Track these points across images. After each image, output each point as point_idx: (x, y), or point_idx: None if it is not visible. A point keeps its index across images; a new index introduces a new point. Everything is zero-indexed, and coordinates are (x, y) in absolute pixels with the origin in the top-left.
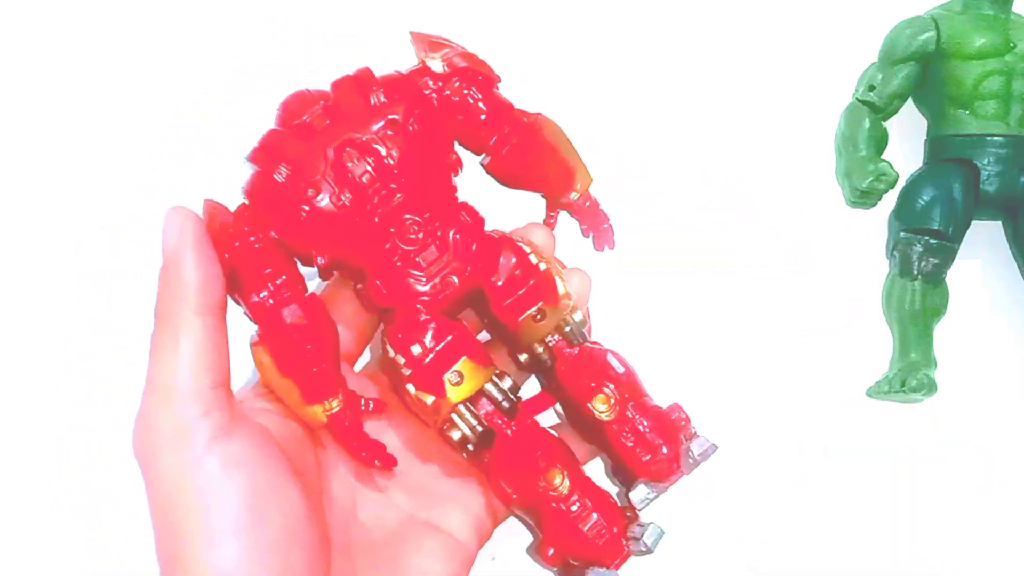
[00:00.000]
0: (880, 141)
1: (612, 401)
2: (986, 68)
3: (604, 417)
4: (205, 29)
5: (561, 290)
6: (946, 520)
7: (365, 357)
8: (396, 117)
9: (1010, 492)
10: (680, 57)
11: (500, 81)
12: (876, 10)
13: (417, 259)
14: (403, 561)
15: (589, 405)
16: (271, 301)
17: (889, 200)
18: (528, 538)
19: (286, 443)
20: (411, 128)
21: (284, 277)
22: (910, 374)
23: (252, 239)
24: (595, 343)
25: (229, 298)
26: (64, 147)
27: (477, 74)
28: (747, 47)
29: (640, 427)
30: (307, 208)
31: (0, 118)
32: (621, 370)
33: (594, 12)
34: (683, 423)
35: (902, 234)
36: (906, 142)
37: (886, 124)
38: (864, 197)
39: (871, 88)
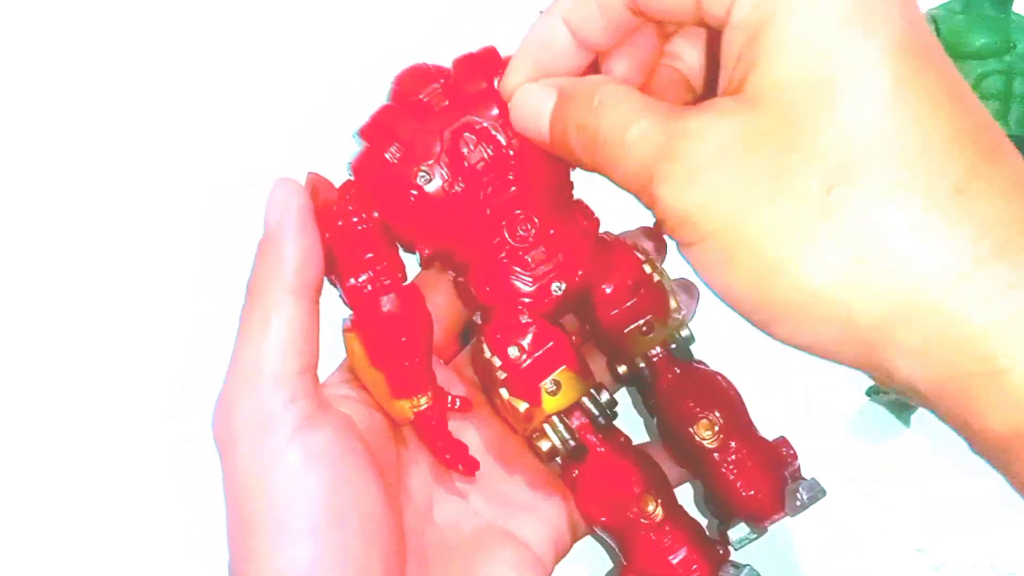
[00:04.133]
0: None
1: (716, 428)
2: (986, 68)
3: (707, 444)
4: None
5: (672, 304)
6: (946, 520)
7: None
8: None
9: (1010, 492)
10: None
11: None
12: None
13: (525, 257)
14: (478, 570)
15: (691, 430)
16: (370, 287)
17: None
18: (603, 560)
19: (369, 436)
20: None
21: (385, 263)
22: None
23: (355, 220)
24: (700, 363)
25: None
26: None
27: None
28: None
29: (745, 460)
30: (416, 192)
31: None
32: (729, 396)
33: None
34: (790, 460)
35: None
36: None
37: None
38: None
39: None
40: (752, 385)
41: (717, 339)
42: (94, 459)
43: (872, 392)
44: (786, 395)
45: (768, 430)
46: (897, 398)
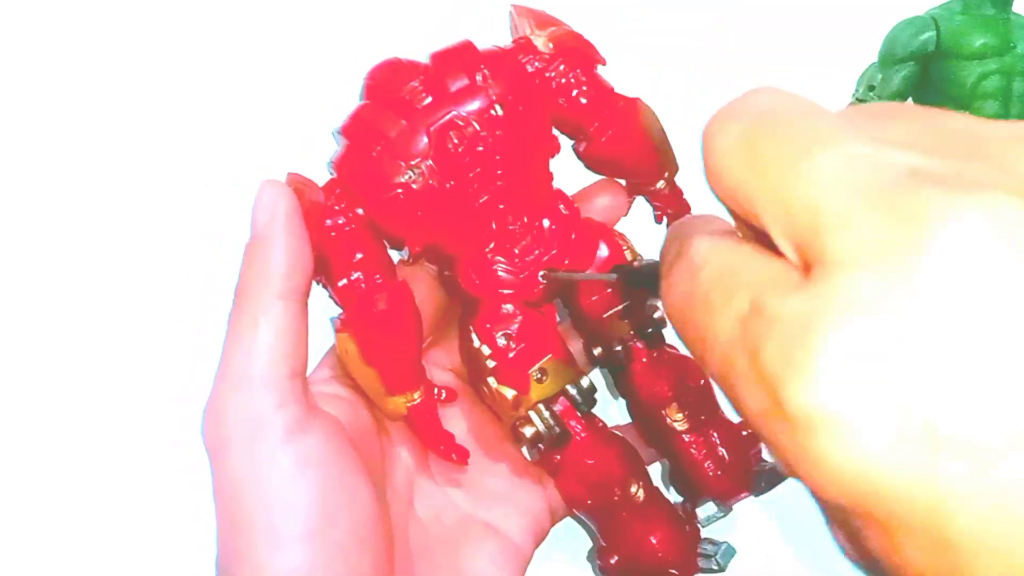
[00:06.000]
0: None
1: (687, 411)
2: (986, 68)
3: (678, 426)
4: None
5: None
6: None
7: None
8: (501, 97)
9: None
10: (681, 57)
11: (604, 63)
12: (876, 10)
13: (513, 249)
14: (461, 563)
15: (663, 412)
16: (363, 286)
17: None
18: (581, 542)
19: (357, 435)
20: (517, 110)
21: (375, 262)
22: None
23: (342, 220)
24: (672, 347)
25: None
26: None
27: (582, 55)
28: (746, 47)
29: (713, 441)
30: (403, 190)
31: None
32: (700, 380)
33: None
34: (755, 441)
35: None
36: None
37: None
38: None
39: (871, 88)
40: None
41: None
42: (84, 461)
43: None
44: None
45: None
46: None
